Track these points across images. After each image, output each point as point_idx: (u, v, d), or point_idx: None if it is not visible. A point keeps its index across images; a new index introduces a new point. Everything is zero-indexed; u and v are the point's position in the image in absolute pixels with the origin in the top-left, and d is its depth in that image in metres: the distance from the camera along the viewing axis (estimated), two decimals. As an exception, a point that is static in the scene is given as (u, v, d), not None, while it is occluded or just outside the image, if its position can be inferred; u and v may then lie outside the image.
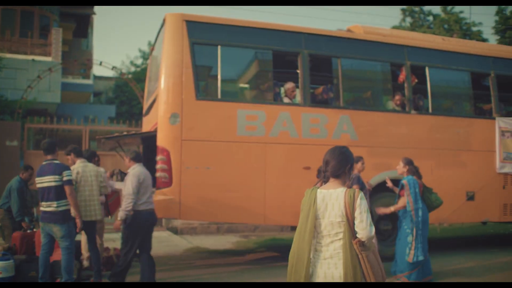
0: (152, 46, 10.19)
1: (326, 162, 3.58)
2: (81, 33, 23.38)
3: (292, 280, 3.37)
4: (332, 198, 3.35)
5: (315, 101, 8.85)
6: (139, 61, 32.68)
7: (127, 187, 6.44)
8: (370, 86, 9.79)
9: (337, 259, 3.28)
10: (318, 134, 8.42)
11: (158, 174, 7.69)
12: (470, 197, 9.49)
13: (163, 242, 11.21)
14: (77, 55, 22.52)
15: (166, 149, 7.64)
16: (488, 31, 57.35)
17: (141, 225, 6.54)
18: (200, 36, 8.05)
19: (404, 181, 7.19)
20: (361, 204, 3.27)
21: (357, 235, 3.28)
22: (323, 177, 3.56)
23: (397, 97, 9.26)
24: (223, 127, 7.95)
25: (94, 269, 6.97)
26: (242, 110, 8.06)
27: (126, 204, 6.36)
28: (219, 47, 8.11)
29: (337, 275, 3.24)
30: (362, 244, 3.28)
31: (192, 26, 7.99)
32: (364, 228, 3.24)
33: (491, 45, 12.74)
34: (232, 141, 7.95)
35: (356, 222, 3.27)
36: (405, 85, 9.21)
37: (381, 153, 8.73)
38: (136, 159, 6.68)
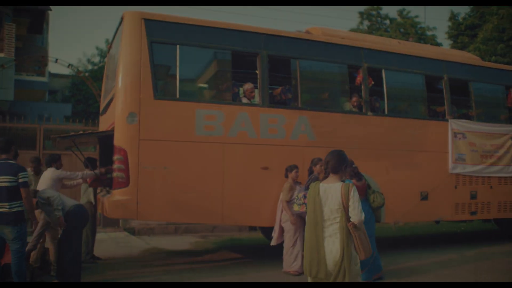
0: (109, 44, 10.04)
1: (326, 162, 4.42)
2: (36, 29, 22.72)
3: (310, 251, 4.29)
4: (331, 190, 4.27)
5: (274, 102, 8.90)
6: (97, 59, 32.15)
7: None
8: (328, 87, 9.92)
9: (335, 237, 4.19)
10: (276, 135, 8.47)
11: (115, 174, 7.58)
12: (424, 197, 9.74)
13: (120, 243, 11.06)
14: (31, 52, 21.91)
15: (123, 148, 7.53)
16: (442, 36, 58.96)
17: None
18: (158, 35, 7.97)
19: None
20: (354, 196, 4.19)
21: (351, 219, 4.17)
22: (325, 173, 4.46)
23: (354, 99, 9.42)
24: (181, 127, 7.90)
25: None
26: (200, 110, 8.03)
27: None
28: (178, 46, 8.04)
29: (335, 249, 4.17)
30: (354, 226, 4.18)
31: (151, 24, 7.91)
32: (356, 214, 4.15)
33: (445, 49, 13.13)
34: (191, 141, 7.91)
35: (350, 209, 4.17)
36: (362, 86, 9.37)
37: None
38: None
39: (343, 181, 4.38)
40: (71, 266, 6.74)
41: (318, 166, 7.85)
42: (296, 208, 7.73)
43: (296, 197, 7.79)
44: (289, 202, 7.90)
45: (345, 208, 4.18)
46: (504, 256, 9.73)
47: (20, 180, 6.11)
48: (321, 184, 4.36)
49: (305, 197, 7.62)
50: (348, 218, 4.18)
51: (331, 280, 4.17)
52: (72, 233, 6.85)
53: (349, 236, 4.18)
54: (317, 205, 4.27)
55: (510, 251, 10.30)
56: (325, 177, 4.44)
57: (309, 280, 4.40)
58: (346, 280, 4.11)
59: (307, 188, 7.79)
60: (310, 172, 8.03)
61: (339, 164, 4.36)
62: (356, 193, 4.21)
